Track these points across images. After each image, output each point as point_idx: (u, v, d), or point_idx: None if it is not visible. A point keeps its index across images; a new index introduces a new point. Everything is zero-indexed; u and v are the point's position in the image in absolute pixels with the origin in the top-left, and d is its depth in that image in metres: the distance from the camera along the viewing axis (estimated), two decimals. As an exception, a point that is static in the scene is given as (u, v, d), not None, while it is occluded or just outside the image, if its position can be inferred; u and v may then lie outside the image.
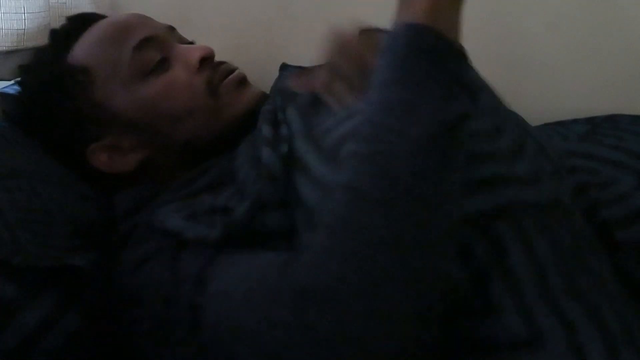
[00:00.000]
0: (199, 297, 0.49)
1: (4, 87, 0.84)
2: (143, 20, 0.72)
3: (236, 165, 0.60)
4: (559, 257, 0.48)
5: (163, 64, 0.68)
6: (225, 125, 0.69)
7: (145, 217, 0.60)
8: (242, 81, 0.72)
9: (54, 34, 0.74)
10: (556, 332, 0.45)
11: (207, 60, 0.70)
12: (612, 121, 0.88)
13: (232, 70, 0.72)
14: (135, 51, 0.68)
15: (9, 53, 0.97)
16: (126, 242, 0.59)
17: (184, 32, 0.77)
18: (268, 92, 0.78)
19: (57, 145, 0.70)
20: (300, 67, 0.95)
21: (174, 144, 0.69)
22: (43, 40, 0.76)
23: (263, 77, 1.02)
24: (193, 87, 0.68)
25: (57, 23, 1.08)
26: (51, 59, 0.70)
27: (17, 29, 0.97)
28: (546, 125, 0.96)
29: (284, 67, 0.93)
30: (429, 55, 0.46)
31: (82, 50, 0.69)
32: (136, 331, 0.54)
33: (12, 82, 0.85)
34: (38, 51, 0.75)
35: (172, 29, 0.74)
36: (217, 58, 0.74)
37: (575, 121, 0.93)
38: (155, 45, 0.69)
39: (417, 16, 0.47)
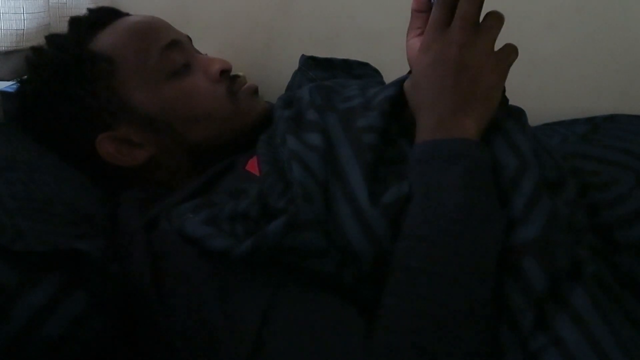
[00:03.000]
0: (265, 332, 0.50)
1: (4, 87, 0.84)
2: (168, 25, 0.74)
3: (262, 174, 0.60)
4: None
5: (186, 69, 0.71)
6: (236, 132, 0.71)
7: (162, 213, 0.60)
8: (256, 91, 0.75)
9: (76, 21, 0.74)
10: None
11: (225, 72, 0.72)
12: (612, 121, 0.88)
13: (246, 82, 0.75)
14: (164, 51, 0.69)
15: (8, 53, 0.97)
16: (145, 237, 0.59)
17: (184, 31, 0.77)
18: (268, 91, 0.80)
19: (67, 131, 0.70)
20: (314, 57, 0.96)
21: (185, 145, 0.70)
22: (43, 40, 0.76)
23: (263, 77, 1.02)
24: (215, 93, 0.71)
25: (57, 23, 1.08)
26: (72, 43, 0.71)
27: (16, 29, 0.97)
28: (546, 125, 0.96)
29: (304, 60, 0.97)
30: (487, 167, 0.55)
31: (107, 40, 0.70)
32: (177, 335, 0.53)
33: (13, 82, 0.85)
34: (55, 36, 0.75)
35: (189, 39, 0.77)
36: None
37: (575, 121, 0.93)
38: (180, 49, 0.71)
39: (471, 134, 0.56)
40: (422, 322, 0.48)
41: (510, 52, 0.58)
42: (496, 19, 0.57)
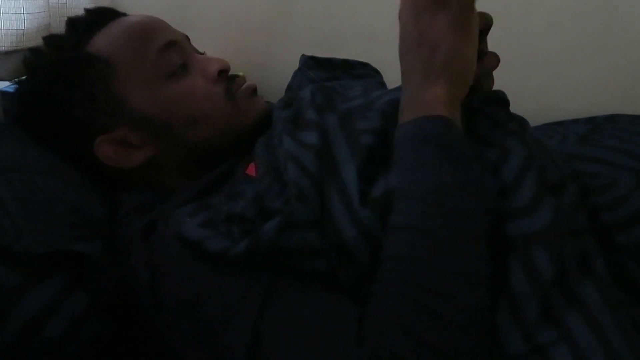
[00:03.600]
0: (261, 325, 0.50)
1: (4, 87, 0.84)
2: (165, 25, 0.74)
3: (259, 175, 0.61)
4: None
5: (184, 69, 0.70)
6: (235, 132, 0.71)
7: (160, 217, 0.60)
8: (255, 91, 0.74)
9: (73, 22, 0.74)
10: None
11: (223, 72, 0.72)
12: (612, 121, 0.88)
13: (245, 81, 0.75)
14: (161, 52, 0.69)
15: (8, 53, 0.97)
16: (143, 240, 0.59)
17: (183, 31, 0.77)
18: (268, 91, 0.80)
19: (65, 133, 0.70)
20: (314, 57, 0.96)
21: (183, 146, 0.70)
22: (42, 40, 0.76)
23: (263, 77, 1.02)
24: (213, 94, 0.70)
25: (57, 23, 1.08)
26: (70, 44, 0.71)
27: (16, 29, 0.97)
28: (546, 125, 0.96)
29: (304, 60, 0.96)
30: (458, 141, 0.54)
31: (104, 41, 0.70)
32: (176, 335, 0.54)
33: (13, 82, 0.85)
34: (53, 37, 0.75)
35: (187, 38, 0.77)
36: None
37: (575, 121, 0.93)
38: (178, 49, 0.71)
39: (442, 107, 0.54)
40: (408, 307, 0.48)
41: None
42: None
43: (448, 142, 0.53)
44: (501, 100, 0.61)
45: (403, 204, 0.52)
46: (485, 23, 0.59)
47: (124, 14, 0.75)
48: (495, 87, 0.63)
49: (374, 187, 0.55)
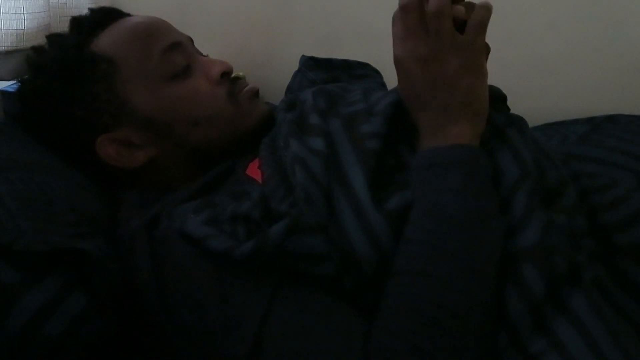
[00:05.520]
0: (264, 333, 0.50)
1: (4, 87, 0.84)
2: (169, 26, 0.74)
3: (264, 178, 0.61)
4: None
5: (187, 71, 0.70)
6: (237, 134, 0.71)
7: (164, 212, 0.61)
8: (257, 94, 0.75)
9: (77, 21, 0.74)
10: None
11: (226, 74, 0.72)
12: (612, 121, 0.88)
13: (246, 82, 0.75)
14: (165, 53, 0.69)
15: (8, 53, 0.97)
16: (146, 234, 0.59)
17: (184, 32, 0.77)
18: (268, 91, 0.80)
19: (67, 132, 0.70)
20: (314, 58, 0.96)
21: (185, 146, 0.70)
22: (43, 40, 0.76)
23: (263, 78, 1.02)
24: (215, 96, 0.70)
25: (57, 23, 1.08)
26: (74, 44, 0.71)
27: (16, 29, 0.97)
28: (546, 125, 0.96)
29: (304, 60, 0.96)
30: (484, 172, 0.55)
31: (108, 41, 0.70)
32: (178, 334, 0.54)
33: (13, 81, 0.85)
34: (56, 36, 0.75)
35: (191, 40, 0.77)
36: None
37: (575, 121, 0.93)
38: (181, 51, 0.71)
39: (467, 139, 0.56)
40: (420, 323, 0.48)
41: (473, 39, 0.56)
42: (436, 17, 0.54)
43: (475, 170, 0.55)
44: (496, 95, 0.61)
45: (423, 221, 0.53)
46: None
47: (128, 15, 0.75)
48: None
49: (389, 198, 0.56)
